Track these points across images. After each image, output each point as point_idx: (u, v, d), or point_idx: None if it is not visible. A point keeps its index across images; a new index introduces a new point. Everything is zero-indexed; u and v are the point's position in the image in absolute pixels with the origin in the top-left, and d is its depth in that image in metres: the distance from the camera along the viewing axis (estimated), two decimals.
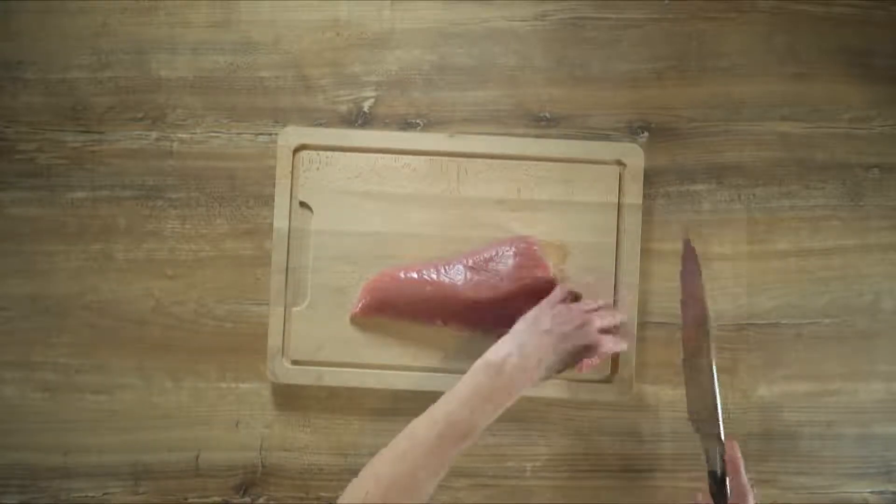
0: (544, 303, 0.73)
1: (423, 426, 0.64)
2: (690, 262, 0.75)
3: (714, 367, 0.71)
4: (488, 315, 0.78)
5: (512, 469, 0.82)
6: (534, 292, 0.76)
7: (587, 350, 0.70)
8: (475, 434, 0.64)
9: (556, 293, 0.75)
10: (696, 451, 0.82)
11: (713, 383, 0.70)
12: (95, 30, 0.84)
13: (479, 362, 0.67)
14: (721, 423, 0.70)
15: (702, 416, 0.71)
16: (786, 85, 0.83)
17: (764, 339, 0.82)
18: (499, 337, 0.71)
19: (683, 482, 0.82)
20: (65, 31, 0.84)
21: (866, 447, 0.82)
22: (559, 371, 0.70)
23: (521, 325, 0.71)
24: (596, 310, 0.74)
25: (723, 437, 0.69)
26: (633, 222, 0.81)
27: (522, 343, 0.68)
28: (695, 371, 0.72)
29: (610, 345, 0.72)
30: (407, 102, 0.84)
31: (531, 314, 0.72)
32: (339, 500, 0.61)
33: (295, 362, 0.80)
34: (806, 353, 0.82)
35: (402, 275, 0.79)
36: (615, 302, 0.79)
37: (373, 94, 0.84)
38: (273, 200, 0.81)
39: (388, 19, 0.84)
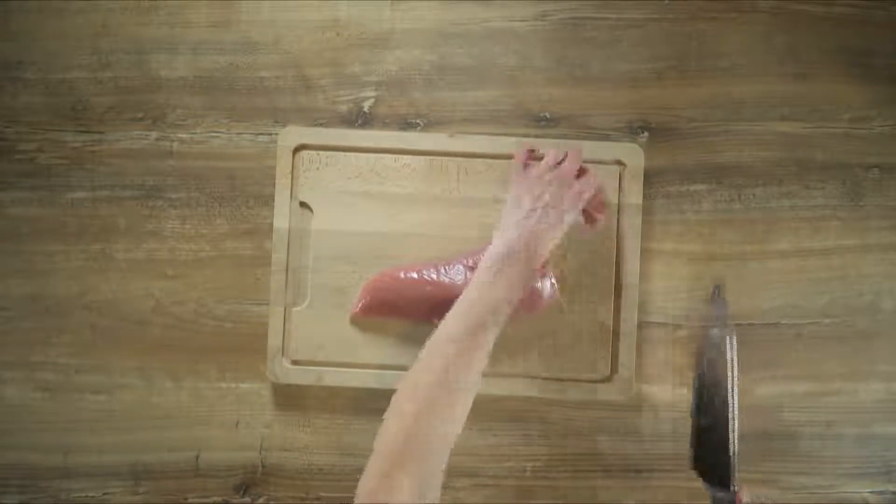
0: (515, 181, 0.75)
1: (449, 327, 0.65)
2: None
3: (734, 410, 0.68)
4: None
5: (512, 469, 0.82)
6: (532, 293, 0.76)
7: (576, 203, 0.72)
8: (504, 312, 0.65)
9: (519, 168, 0.76)
10: None
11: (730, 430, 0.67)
12: (95, 30, 0.84)
13: (485, 263, 0.68)
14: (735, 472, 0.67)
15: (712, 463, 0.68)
16: (786, 85, 0.83)
17: (764, 339, 0.82)
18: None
19: (683, 482, 0.82)
20: (65, 31, 0.84)
21: (866, 447, 0.82)
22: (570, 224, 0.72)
23: (507, 217, 0.72)
24: (560, 163, 0.75)
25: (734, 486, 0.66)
26: (632, 222, 0.81)
27: (513, 237, 0.69)
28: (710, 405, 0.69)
29: (587, 191, 0.73)
30: (407, 102, 0.84)
31: (511, 200, 0.73)
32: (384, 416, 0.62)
33: (295, 362, 0.80)
34: (806, 353, 0.82)
35: (402, 275, 0.79)
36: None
37: (373, 94, 0.84)
38: (273, 200, 0.81)
39: (388, 19, 0.84)
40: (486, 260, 0.69)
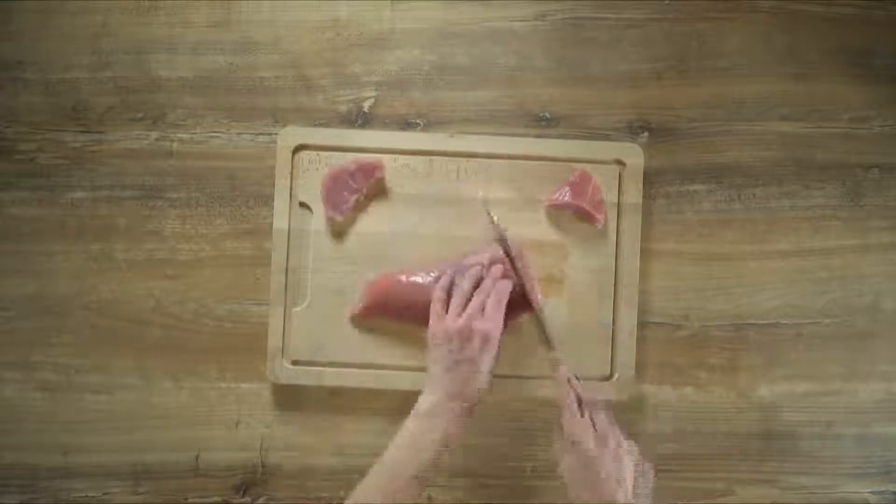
0: (433, 331, 0.72)
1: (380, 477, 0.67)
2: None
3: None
4: (515, 298, 0.77)
5: (512, 469, 0.82)
6: (524, 294, 0.76)
7: (489, 341, 0.69)
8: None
9: (435, 316, 0.73)
10: (696, 451, 0.82)
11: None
12: (95, 30, 0.84)
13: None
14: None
15: None
16: (786, 85, 0.83)
17: (764, 339, 0.82)
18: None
19: (683, 482, 0.82)
20: (65, 31, 0.84)
21: (866, 447, 0.82)
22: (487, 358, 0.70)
23: (433, 367, 0.70)
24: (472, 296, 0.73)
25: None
26: (632, 222, 0.81)
27: (441, 391, 0.69)
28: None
29: (490, 323, 0.70)
30: (407, 102, 0.84)
31: (434, 350, 0.71)
32: None
33: (295, 362, 0.80)
34: (806, 353, 0.82)
35: (403, 278, 0.78)
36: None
37: (373, 94, 0.84)
38: (273, 200, 0.81)
39: (388, 19, 0.84)
40: (419, 410, 0.68)
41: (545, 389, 0.79)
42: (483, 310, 0.71)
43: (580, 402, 0.69)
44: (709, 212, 0.83)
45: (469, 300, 0.72)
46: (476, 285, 0.73)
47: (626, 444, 0.67)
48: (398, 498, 0.65)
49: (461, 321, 0.70)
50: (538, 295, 0.76)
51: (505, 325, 0.72)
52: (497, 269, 0.75)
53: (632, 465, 0.66)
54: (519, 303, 0.75)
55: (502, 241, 0.77)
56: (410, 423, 0.68)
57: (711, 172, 0.83)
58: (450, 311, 0.72)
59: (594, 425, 0.67)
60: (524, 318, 0.77)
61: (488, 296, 0.72)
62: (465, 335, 0.69)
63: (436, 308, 0.73)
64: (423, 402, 0.69)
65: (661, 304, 0.82)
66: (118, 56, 0.84)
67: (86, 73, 0.83)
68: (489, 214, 0.79)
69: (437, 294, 0.74)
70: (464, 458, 0.82)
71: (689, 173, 0.83)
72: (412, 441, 0.67)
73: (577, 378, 0.72)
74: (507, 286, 0.73)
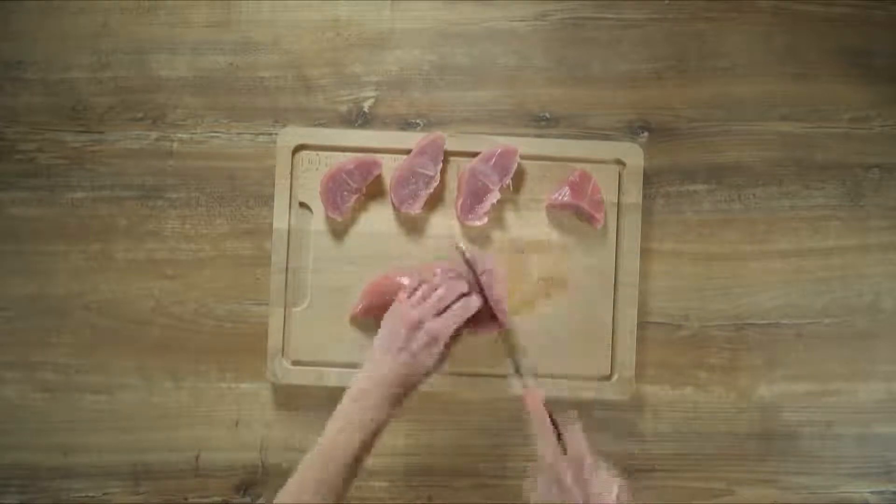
0: (385, 322, 0.72)
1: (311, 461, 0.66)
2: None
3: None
4: (484, 315, 0.78)
5: (512, 469, 0.82)
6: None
7: (435, 341, 0.69)
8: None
9: (392, 312, 0.73)
10: (696, 451, 0.82)
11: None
12: (95, 30, 0.84)
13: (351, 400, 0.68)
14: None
15: None
16: (786, 85, 0.83)
17: (764, 339, 0.82)
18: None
19: (683, 482, 0.82)
20: (65, 31, 0.84)
21: (866, 447, 0.82)
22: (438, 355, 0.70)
23: (383, 342, 0.70)
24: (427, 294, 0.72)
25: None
26: (632, 222, 0.81)
27: (386, 370, 0.68)
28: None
29: (449, 322, 0.70)
30: (407, 102, 0.84)
31: (387, 327, 0.71)
32: None
33: (295, 362, 0.80)
34: (806, 353, 0.82)
35: (401, 279, 0.78)
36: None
37: (373, 94, 0.84)
38: (273, 200, 0.81)
39: (388, 19, 0.84)
40: (350, 394, 0.68)
41: (545, 389, 0.80)
42: (442, 313, 0.70)
43: (555, 425, 0.67)
44: (709, 212, 0.83)
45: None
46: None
47: (604, 467, 0.63)
48: (332, 486, 0.64)
49: (414, 313, 0.70)
50: (505, 317, 0.76)
51: (459, 334, 0.71)
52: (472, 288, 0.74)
53: (613, 490, 0.61)
54: (486, 321, 0.75)
55: (470, 263, 0.76)
56: (341, 409, 0.67)
57: (711, 172, 0.83)
58: (411, 301, 0.72)
59: (566, 450, 0.65)
60: (495, 338, 0.77)
61: (454, 302, 0.71)
62: (414, 327, 0.69)
63: (401, 294, 0.73)
64: (355, 386, 0.68)
65: (661, 304, 0.82)
66: (118, 56, 0.84)
67: (86, 73, 0.83)
68: (456, 241, 0.79)
69: (410, 282, 0.74)
70: (464, 458, 0.82)
71: (689, 173, 0.83)
72: (342, 426, 0.66)
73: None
74: (475, 302, 0.72)
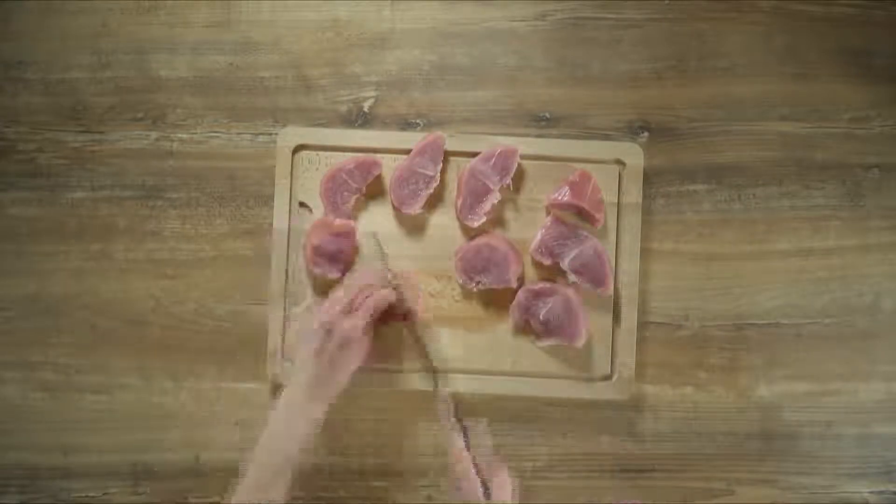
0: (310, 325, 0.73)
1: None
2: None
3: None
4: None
5: (512, 469, 0.82)
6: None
7: (347, 341, 0.70)
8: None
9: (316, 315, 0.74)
10: (696, 451, 0.82)
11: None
12: (95, 30, 0.84)
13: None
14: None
15: None
16: (786, 85, 0.83)
17: (764, 339, 0.82)
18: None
19: (683, 482, 0.82)
20: (65, 31, 0.84)
21: (866, 447, 0.82)
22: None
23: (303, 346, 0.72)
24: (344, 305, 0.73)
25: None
26: (632, 222, 0.81)
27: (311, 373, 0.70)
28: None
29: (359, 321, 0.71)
30: (407, 102, 0.84)
31: (304, 332, 0.73)
32: None
33: None
34: (806, 353, 0.82)
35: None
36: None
37: (373, 94, 0.84)
38: (273, 200, 0.81)
39: (388, 19, 0.84)
40: (278, 403, 0.70)
41: (545, 389, 0.80)
42: (356, 311, 0.72)
43: (461, 423, 0.72)
44: (709, 212, 0.83)
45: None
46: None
47: (504, 468, 0.69)
48: (270, 493, 0.65)
49: (324, 317, 0.71)
50: (417, 315, 0.78)
51: (374, 329, 0.73)
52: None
53: (509, 489, 0.68)
54: (395, 315, 0.77)
55: (382, 259, 0.79)
56: (272, 416, 0.69)
57: (711, 172, 0.83)
58: (327, 304, 0.73)
59: (470, 448, 0.70)
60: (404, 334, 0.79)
61: (366, 299, 0.73)
62: (327, 328, 0.70)
63: (331, 296, 0.74)
64: (283, 395, 0.70)
65: (661, 304, 0.82)
66: (118, 56, 0.84)
67: (86, 73, 0.83)
68: (374, 237, 0.80)
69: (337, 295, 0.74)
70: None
71: (689, 173, 0.83)
72: (273, 432, 0.68)
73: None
74: (385, 295, 0.74)
